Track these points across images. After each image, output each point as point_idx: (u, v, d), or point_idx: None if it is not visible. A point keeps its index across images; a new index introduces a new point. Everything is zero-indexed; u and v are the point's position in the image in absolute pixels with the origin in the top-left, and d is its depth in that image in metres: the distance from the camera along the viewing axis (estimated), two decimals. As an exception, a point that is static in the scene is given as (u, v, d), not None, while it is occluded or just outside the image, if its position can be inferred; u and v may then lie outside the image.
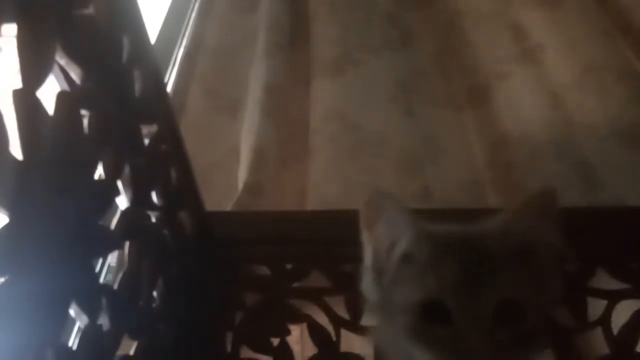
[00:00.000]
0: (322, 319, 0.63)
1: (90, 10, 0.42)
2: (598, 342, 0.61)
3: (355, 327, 0.63)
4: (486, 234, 0.43)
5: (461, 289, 0.39)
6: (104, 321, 0.43)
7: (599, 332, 0.61)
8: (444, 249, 0.42)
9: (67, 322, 0.38)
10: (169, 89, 1.00)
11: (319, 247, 0.68)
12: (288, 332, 0.64)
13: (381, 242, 0.45)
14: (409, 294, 0.42)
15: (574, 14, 0.99)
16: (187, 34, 1.14)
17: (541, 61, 0.95)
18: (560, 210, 0.43)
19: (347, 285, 0.64)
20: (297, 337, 0.68)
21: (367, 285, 0.47)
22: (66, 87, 0.40)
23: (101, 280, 0.47)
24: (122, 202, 0.48)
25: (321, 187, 0.82)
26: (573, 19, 0.99)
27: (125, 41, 0.48)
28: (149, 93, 0.52)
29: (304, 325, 0.64)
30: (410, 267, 0.43)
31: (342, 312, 0.64)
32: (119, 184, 0.47)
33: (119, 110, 0.47)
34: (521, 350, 0.40)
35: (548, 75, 0.93)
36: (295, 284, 0.66)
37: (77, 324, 0.41)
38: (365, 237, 0.46)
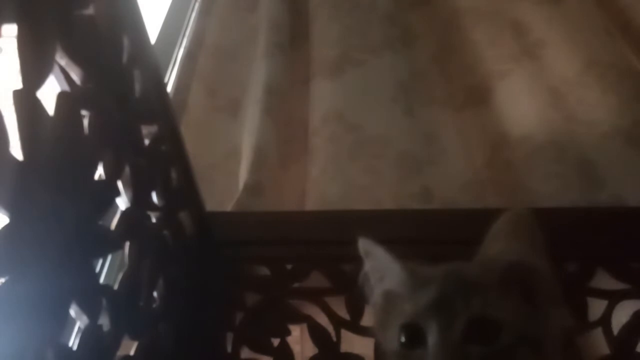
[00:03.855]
0: (322, 319, 0.63)
1: (90, 11, 0.43)
2: (598, 342, 0.61)
3: (355, 327, 0.63)
4: (466, 264, 0.45)
5: (434, 310, 0.41)
6: (104, 321, 0.43)
7: (599, 332, 0.61)
8: (424, 281, 0.44)
9: (67, 322, 0.38)
10: (169, 88, 1.00)
11: (319, 247, 0.68)
12: (288, 333, 0.64)
13: (372, 275, 0.49)
14: (392, 323, 0.44)
15: (574, 11, 0.99)
16: (187, 33, 1.14)
17: (541, 58, 0.95)
18: (537, 232, 0.44)
19: (347, 285, 0.64)
20: (297, 338, 0.68)
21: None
22: (66, 88, 0.40)
23: (101, 280, 0.47)
24: (122, 202, 0.48)
25: (321, 187, 0.82)
26: (573, 15, 0.98)
27: (125, 41, 0.48)
28: (149, 93, 0.52)
29: (304, 325, 0.64)
30: (394, 301, 0.46)
31: (342, 313, 0.64)
32: (119, 184, 0.47)
33: (119, 111, 0.47)
34: None
35: (548, 72, 0.93)
36: (296, 284, 0.66)
37: (77, 324, 0.41)
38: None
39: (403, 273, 0.46)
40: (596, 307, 0.62)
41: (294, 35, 1.06)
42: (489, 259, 0.45)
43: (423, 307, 0.42)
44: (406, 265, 0.46)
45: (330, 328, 0.63)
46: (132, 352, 0.49)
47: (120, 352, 0.46)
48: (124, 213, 0.48)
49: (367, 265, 0.49)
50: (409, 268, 0.46)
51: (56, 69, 0.39)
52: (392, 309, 0.45)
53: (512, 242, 0.44)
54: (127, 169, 0.48)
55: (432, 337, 0.40)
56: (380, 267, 0.48)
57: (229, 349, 0.63)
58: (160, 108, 0.55)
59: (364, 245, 0.49)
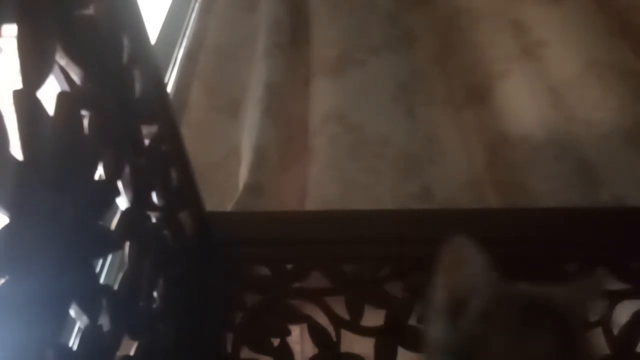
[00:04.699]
0: (322, 319, 0.63)
1: (90, 10, 0.42)
2: (598, 342, 0.61)
3: (355, 327, 0.63)
4: (565, 307, 0.43)
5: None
6: (104, 321, 0.43)
7: (599, 332, 0.61)
8: (529, 318, 0.42)
9: (67, 322, 0.38)
10: (169, 88, 1.00)
11: (319, 247, 0.68)
12: (288, 333, 0.64)
13: (460, 290, 0.44)
14: (497, 353, 0.42)
15: (574, 11, 0.99)
16: (187, 33, 1.14)
17: (542, 58, 0.95)
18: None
19: (347, 285, 0.64)
20: (297, 337, 0.68)
21: (439, 328, 0.46)
22: (66, 88, 0.40)
23: (101, 280, 0.47)
24: (122, 202, 0.48)
25: (321, 187, 0.82)
26: (573, 15, 0.99)
27: (125, 41, 0.48)
28: (149, 93, 0.52)
29: (304, 325, 0.64)
30: (493, 325, 0.43)
31: (342, 312, 0.64)
32: (119, 184, 0.47)
33: (119, 111, 0.46)
34: None
35: (549, 72, 0.93)
36: (296, 284, 0.66)
37: (77, 324, 0.41)
38: (441, 280, 0.46)
39: (502, 296, 0.43)
40: (596, 307, 0.62)
41: (294, 35, 1.06)
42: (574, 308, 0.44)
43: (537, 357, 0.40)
44: (502, 285, 0.43)
45: (330, 328, 0.63)
46: (132, 352, 0.49)
47: (120, 352, 0.46)
48: (124, 213, 0.48)
49: (456, 273, 0.44)
50: (507, 291, 0.43)
51: (56, 69, 0.38)
52: (492, 334, 0.42)
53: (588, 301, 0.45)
54: (127, 169, 0.48)
55: None
56: (473, 282, 0.43)
57: (229, 349, 0.63)
58: (160, 108, 0.55)
59: (462, 246, 0.43)
